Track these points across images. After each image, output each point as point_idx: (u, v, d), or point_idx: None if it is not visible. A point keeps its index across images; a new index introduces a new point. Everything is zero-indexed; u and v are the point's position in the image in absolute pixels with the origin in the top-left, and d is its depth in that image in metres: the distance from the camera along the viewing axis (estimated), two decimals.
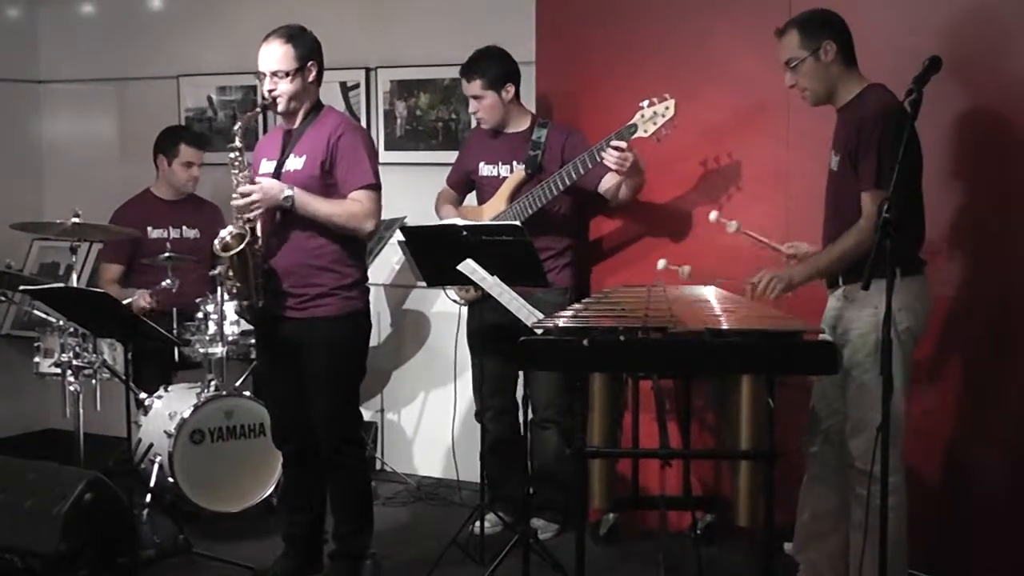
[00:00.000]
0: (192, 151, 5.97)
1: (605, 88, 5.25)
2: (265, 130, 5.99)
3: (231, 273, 4.35)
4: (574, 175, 4.88)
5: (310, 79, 4.41)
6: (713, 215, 4.55)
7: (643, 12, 5.19)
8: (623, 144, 4.75)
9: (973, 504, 4.58)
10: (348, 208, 4.34)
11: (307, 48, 4.39)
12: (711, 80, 4.98)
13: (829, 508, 4.18)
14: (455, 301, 5.21)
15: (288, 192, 4.28)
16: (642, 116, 4.77)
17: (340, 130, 4.39)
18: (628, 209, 5.19)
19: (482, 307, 4.90)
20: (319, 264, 4.38)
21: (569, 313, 3.77)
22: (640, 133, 4.77)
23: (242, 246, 4.27)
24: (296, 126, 4.46)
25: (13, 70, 7.09)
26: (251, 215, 4.31)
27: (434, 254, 4.56)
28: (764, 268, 4.11)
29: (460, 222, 4.58)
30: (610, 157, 4.76)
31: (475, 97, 5.09)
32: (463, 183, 5.36)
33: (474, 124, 5.78)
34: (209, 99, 6.67)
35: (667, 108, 4.74)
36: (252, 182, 4.35)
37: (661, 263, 4.61)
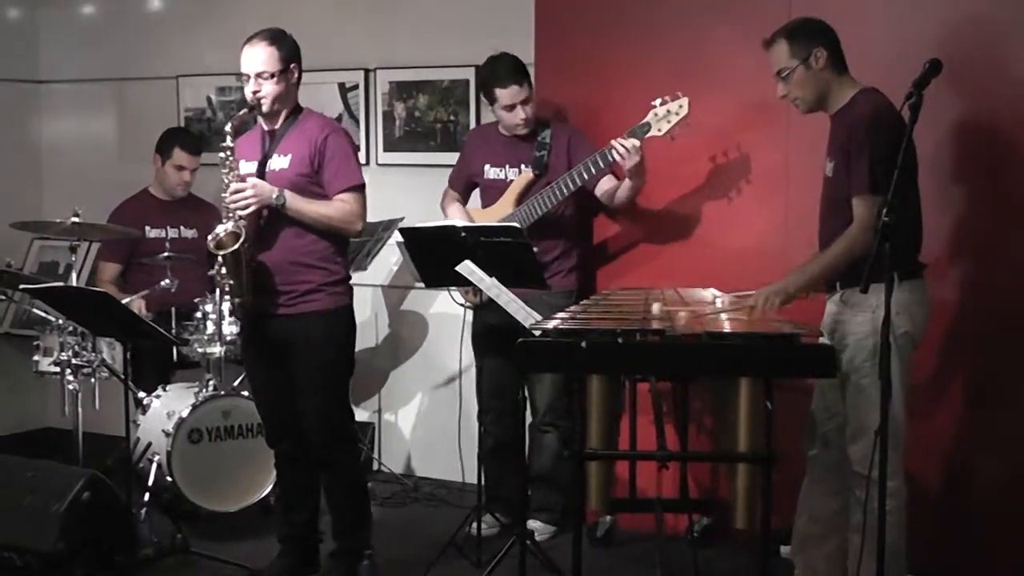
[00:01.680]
0: (185, 156, 5.96)
1: (604, 91, 5.26)
2: None
3: (223, 271, 4.36)
4: (585, 176, 4.88)
5: (292, 81, 4.44)
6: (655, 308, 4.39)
7: (643, 14, 5.20)
8: (637, 142, 4.75)
9: (974, 509, 4.60)
10: (338, 209, 4.37)
11: (290, 50, 4.42)
12: (711, 84, 4.99)
13: (827, 511, 4.19)
14: (462, 305, 5.19)
15: (279, 192, 4.31)
16: (655, 115, 4.77)
17: (326, 131, 4.43)
18: (631, 212, 5.20)
19: (487, 309, 4.89)
20: (307, 261, 4.40)
21: (567, 315, 3.78)
22: (654, 132, 4.76)
23: (236, 245, 4.29)
24: (277, 127, 4.48)
25: (13, 70, 7.10)
26: (245, 212, 4.32)
27: (433, 255, 4.57)
28: (761, 289, 4.10)
29: (459, 223, 4.58)
30: (620, 148, 4.75)
31: (524, 101, 5.03)
32: (466, 185, 5.35)
33: (472, 126, 5.80)
34: (208, 99, 6.68)
35: (680, 106, 4.74)
36: (242, 180, 4.37)
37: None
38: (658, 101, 4.77)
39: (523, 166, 5.09)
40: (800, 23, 4.07)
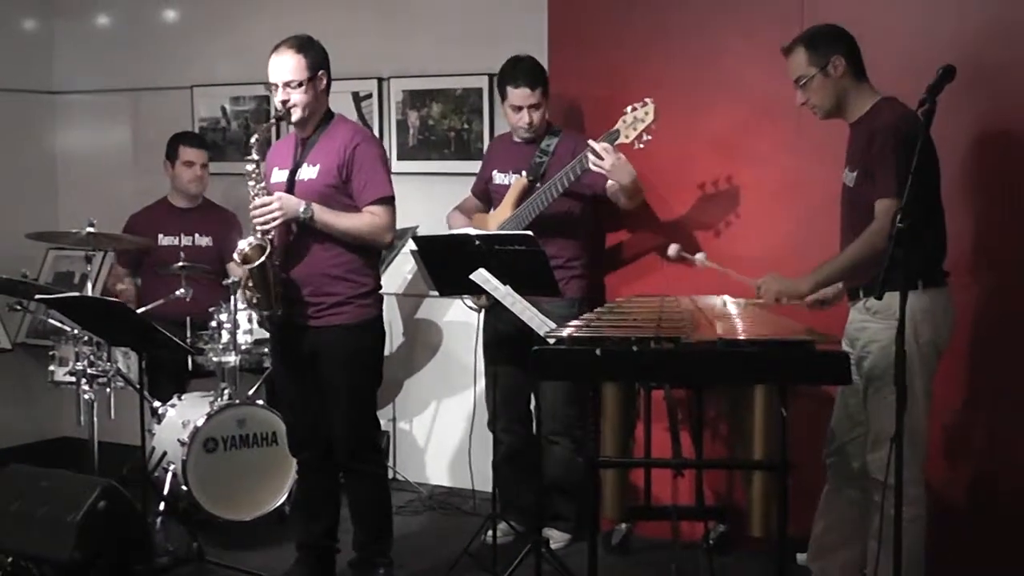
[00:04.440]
0: (191, 151, 6.00)
1: (618, 98, 5.23)
2: (279, 137, 6.00)
3: (251, 284, 4.36)
4: (566, 182, 4.87)
5: (321, 88, 4.43)
6: (672, 250, 4.53)
7: (656, 23, 5.20)
8: (600, 146, 4.72)
9: (998, 517, 4.58)
10: (367, 222, 4.36)
11: (317, 57, 4.41)
12: (724, 91, 4.99)
13: (844, 519, 4.18)
14: (471, 307, 5.21)
15: (306, 206, 4.30)
16: (623, 121, 4.75)
17: (356, 139, 4.41)
18: (642, 219, 5.20)
19: (497, 317, 4.90)
20: (335, 273, 4.39)
21: (581, 323, 3.77)
22: (622, 139, 4.74)
23: (262, 259, 4.29)
24: (309, 135, 4.47)
25: (28, 81, 7.14)
26: (271, 226, 4.32)
27: (446, 263, 4.57)
28: (771, 273, 4.11)
29: (473, 231, 4.59)
30: (593, 157, 4.75)
31: (534, 106, 5.03)
32: (484, 192, 5.37)
33: (487, 134, 5.81)
34: (222, 109, 6.70)
35: (647, 113, 4.70)
36: (268, 194, 4.37)
37: (672, 249, 4.57)
38: (629, 108, 4.75)
39: (523, 172, 5.10)
40: (819, 31, 4.04)
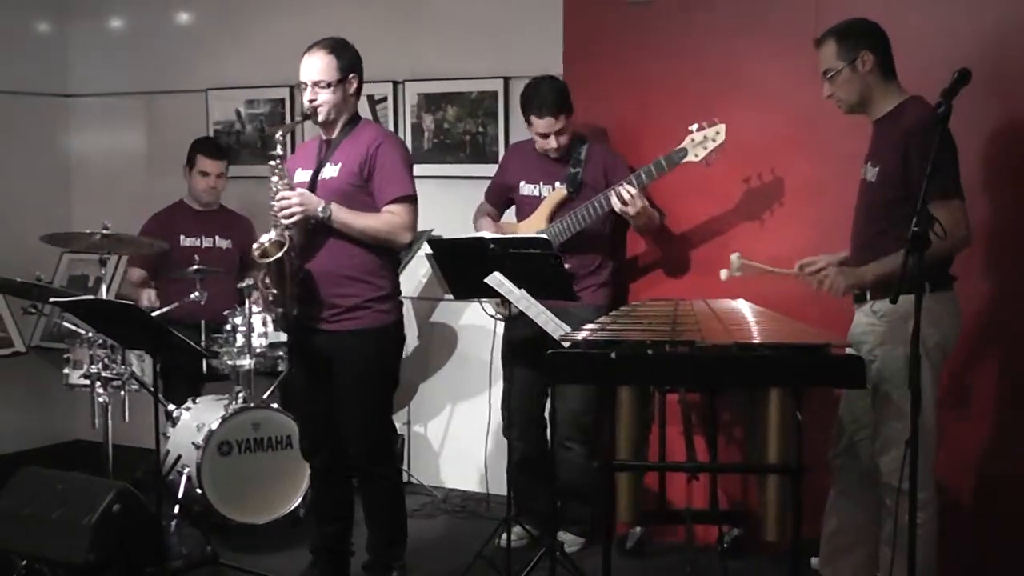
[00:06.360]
0: (208, 162, 6.02)
1: (632, 105, 5.25)
2: (295, 142, 6.01)
3: (267, 280, 4.36)
4: (599, 209, 4.90)
5: (351, 91, 4.43)
6: (724, 274, 4.41)
7: (672, 29, 5.19)
8: (632, 190, 4.78)
9: (1008, 519, 4.56)
10: (385, 221, 4.35)
11: (349, 60, 4.42)
12: (742, 99, 4.98)
13: (854, 522, 4.16)
14: (493, 316, 5.17)
15: (325, 205, 4.30)
16: (692, 140, 4.79)
17: (379, 140, 4.41)
18: (666, 227, 5.21)
19: (518, 321, 4.88)
20: (352, 274, 4.38)
21: (596, 326, 3.76)
22: (690, 157, 4.79)
23: (281, 253, 4.29)
24: (334, 137, 4.47)
25: (43, 84, 7.16)
26: (290, 221, 4.32)
27: (462, 267, 4.56)
28: (823, 256, 4.08)
29: (488, 235, 4.58)
30: (616, 200, 4.80)
31: (560, 132, 5.03)
32: (502, 200, 5.36)
33: (502, 137, 5.81)
34: (237, 112, 6.70)
35: (717, 133, 4.77)
36: (290, 190, 4.37)
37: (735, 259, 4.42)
38: (695, 126, 4.79)
39: (557, 183, 5.09)
40: (851, 25, 4.03)
